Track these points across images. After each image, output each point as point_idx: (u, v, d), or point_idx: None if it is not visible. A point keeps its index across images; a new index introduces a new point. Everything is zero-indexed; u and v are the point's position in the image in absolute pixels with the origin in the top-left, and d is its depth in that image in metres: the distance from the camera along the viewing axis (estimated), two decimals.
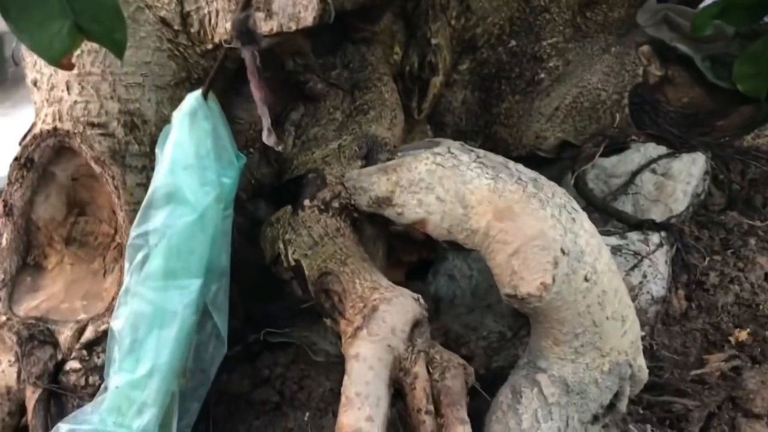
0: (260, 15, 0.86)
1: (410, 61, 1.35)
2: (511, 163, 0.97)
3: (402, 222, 0.94)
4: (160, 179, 0.83)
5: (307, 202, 0.98)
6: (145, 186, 0.85)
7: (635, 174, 1.36)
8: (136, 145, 0.88)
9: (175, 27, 0.90)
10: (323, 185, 1.00)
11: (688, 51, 1.50)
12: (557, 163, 1.45)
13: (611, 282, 0.97)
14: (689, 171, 1.34)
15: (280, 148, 0.79)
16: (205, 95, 0.83)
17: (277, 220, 1.00)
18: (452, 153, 0.95)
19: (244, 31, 0.75)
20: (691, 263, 1.22)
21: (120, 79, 0.86)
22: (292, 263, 0.96)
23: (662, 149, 1.37)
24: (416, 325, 0.86)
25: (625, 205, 1.34)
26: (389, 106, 1.09)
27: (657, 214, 1.31)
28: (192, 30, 0.90)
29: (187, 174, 0.82)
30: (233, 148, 0.87)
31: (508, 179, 0.93)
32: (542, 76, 1.43)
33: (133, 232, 0.83)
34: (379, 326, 0.83)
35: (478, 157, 0.96)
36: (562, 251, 0.91)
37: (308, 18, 0.84)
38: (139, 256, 0.82)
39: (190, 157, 0.82)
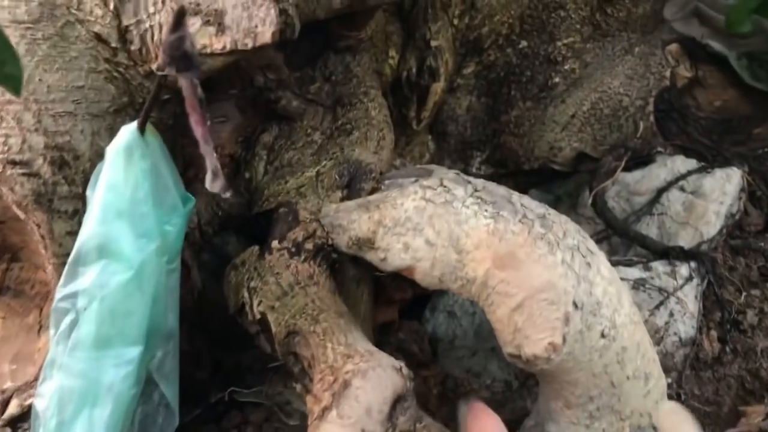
0: (210, 30, 0.72)
1: (408, 65, 1.21)
2: (515, 196, 0.83)
3: (385, 268, 0.81)
4: (89, 229, 0.69)
5: (275, 244, 0.85)
6: (77, 235, 0.71)
7: (661, 192, 1.21)
8: (66, 185, 0.74)
9: (113, 44, 0.75)
10: (295, 223, 0.86)
11: (721, 48, 1.35)
12: (573, 177, 1.30)
13: (633, 336, 0.83)
14: (723, 188, 1.18)
15: (227, 195, 0.65)
16: (141, 128, 0.69)
17: (242, 263, 0.87)
18: (445, 186, 0.80)
19: (179, 56, 0.61)
20: (725, 299, 1.07)
21: (46, 108, 0.72)
22: (258, 316, 0.82)
23: (692, 163, 1.21)
24: (398, 400, 0.72)
25: (649, 227, 1.19)
26: (376, 126, 0.95)
27: (686, 239, 1.15)
28: (132, 47, 0.76)
29: (122, 222, 0.69)
30: (178, 188, 0.73)
31: (511, 217, 0.79)
32: (557, 80, 1.28)
33: (58, 293, 0.69)
34: (351, 407, 0.69)
35: (476, 190, 0.81)
36: (575, 305, 0.77)
37: (266, 34, 0.70)
38: (66, 321, 0.69)
39: (125, 202, 0.69)
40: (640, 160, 1.23)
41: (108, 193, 0.69)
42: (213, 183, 0.65)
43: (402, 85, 1.22)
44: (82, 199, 0.73)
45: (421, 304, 1.09)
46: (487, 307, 0.79)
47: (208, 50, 0.73)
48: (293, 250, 0.84)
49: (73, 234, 0.72)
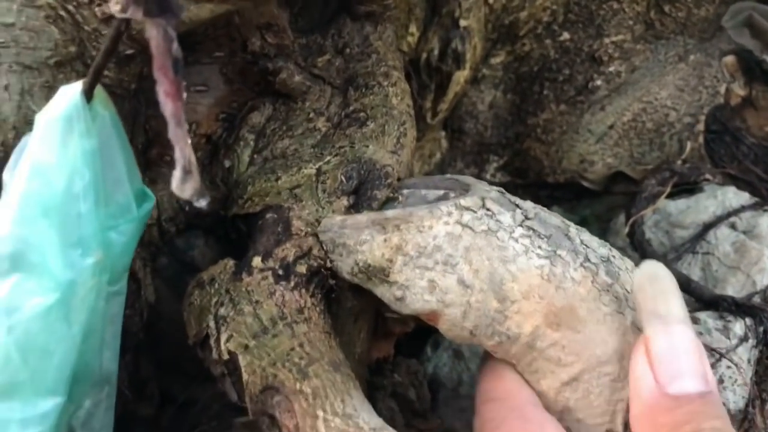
0: None
1: (429, 46, 1.01)
2: (573, 229, 0.64)
3: (400, 310, 0.61)
4: (1, 229, 0.48)
5: (257, 262, 0.64)
6: None
7: (708, 227, 1.02)
8: None
9: None
10: (286, 235, 0.66)
11: None
12: (603, 197, 1.12)
13: None
14: None
15: (201, 204, 0.44)
16: (88, 93, 0.48)
17: (210, 280, 0.66)
18: (488, 210, 0.61)
19: None
20: None
21: None
22: (225, 356, 0.62)
23: (746, 197, 1.04)
24: None
25: (691, 267, 1.01)
26: (396, 117, 0.75)
27: (735, 287, 0.97)
28: None
29: (48, 224, 0.48)
30: (133, 181, 0.52)
31: (571, 260, 0.60)
32: (598, 82, 1.09)
33: None
34: None
35: (526, 218, 0.62)
36: None
37: None
38: None
39: (56, 196, 0.48)
40: (686, 187, 1.06)
41: (32, 180, 0.48)
42: (182, 184, 0.45)
43: (420, 68, 1.03)
44: None
45: (421, 338, 0.90)
46: (529, 374, 0.60)
47: None
48: (280, 272, 0.64)
49: None
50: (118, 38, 0.44)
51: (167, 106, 0.44)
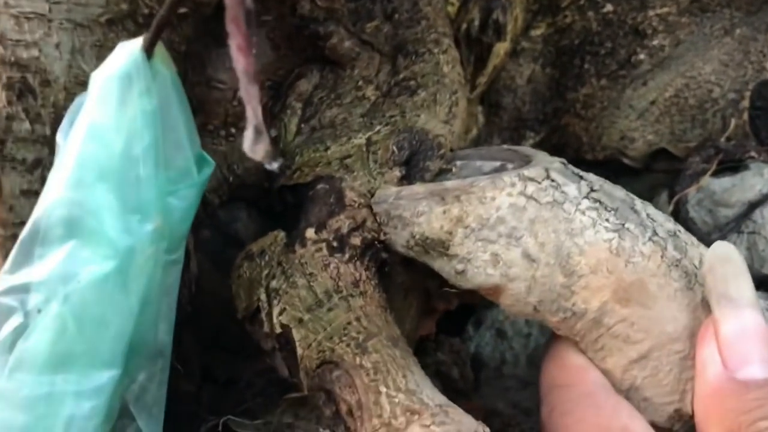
0: None
1: (469, 17, 0.98)
2: (638, 203, 0.61)
3: (461, 284, 0.59)
4: (56, 193, 0.46)
5: (311, 233, 0.62)
6: (38, 197, 0.48)
7: (754, 206, 0.99)
8: (27, 122, 0.50)
9: None
10: (339, 206, 0.63)
11: None
12: (643, 175, 1.09)
13: None
14: None
15: (273, 167, 0.42)
16: (148, 49, 0.45)
17: (260, 252, 0.64)
18: (552, 181, 0.58)
19: None
20: None
21: (7, 3, 0.49)
22: (278, 329, 0.60)
23: None
24: None
25: (737, 247, 0.97)
26: (448, 86, 0.72)
27: None
28: None
29: (106, 188, 0.46)
30: (193, 145, 0.50)
31: (640, 233, 0.57)
32: (641, 56, 1.05)
33: (1, 282, 0.46)
34: None
35: (592, 189, 0.59)
36: None
37: None
38: (9, 326, 0.46)
39: (113, 159, 0.46)
40: (730, 165, 1.03)
41: (89, 142, 0.46)
42: (254, 145, 0.43)
43: (459, 40, 0.99)
44: (48, 144, 0.50)
45: (463, 316, 0.88)
46: (594, 352, 0.58)
47: None
48: (335, 244, 0.61)
49: (32, 195, 0.49)
50: None
51: (239, 62, 0.42)
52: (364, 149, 0.68)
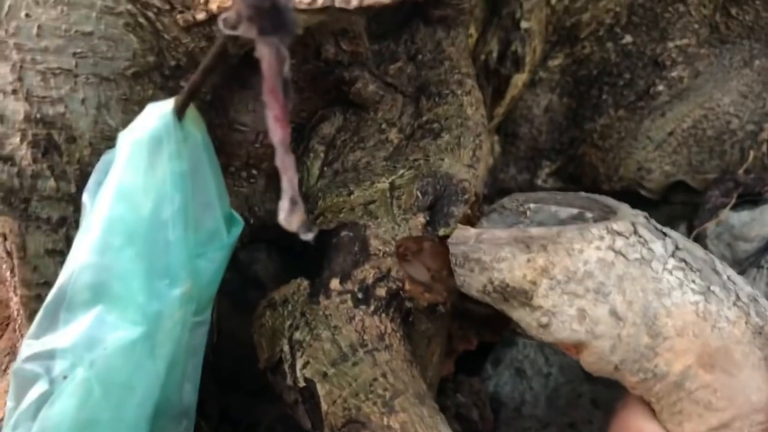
0: None
1: (488, 48, 0.97)
2: (719, 264, 0.60)
3: (542, 337, 0.57)
4: (83, 256, 0.45)
5: (335, 284, 0.61)
6: (63, 257, 0.47)
7: None
8: (53, 180, 0.49)
9: None
10: (364, 255, 0.62)
11: None
12: (662, 207, 1.08)
13: None
14: None
15: (309, 237, 0.41)
16: (179, 111, 0.44)
17: (283, 301, 0.63)
18: (639, 236, 0.57)
19: (266, 10, 0.36)
20: None
21: (33, 60, 0.48)
22: (301, 383, 0.59)
23: None
24: None
25: (757, 283, 0.97)
26: (472, 129, 0.71)
27: None
28: None
29: (134, 252, 0.45)
30: (223, 204, 0.49)
31: (725, 297, 0.56)
32: (660, 88, 1.04)
33: (25, 348, 0.45)
34: None
35: (677, 248, 0.58)
36: None
37: None
38: (34, 393, 0.45)
39: (142, 222, 0.45)
40: (750, 198, 1.02)
41: (117, 204, 0.45)
42: (290, 216, 0.42)
43: (477, 71, 0.98)
44: (74, 203, 0.49)
45: (481, 354, 0.87)
46: (670, 415, 0.56)
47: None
48: (360, 296, 0.60)
49: (57, 255, 0.48)
50: (221, 56, 0.40)
51: (276, 132, 0.41)
52: (388, 194, 0.67)
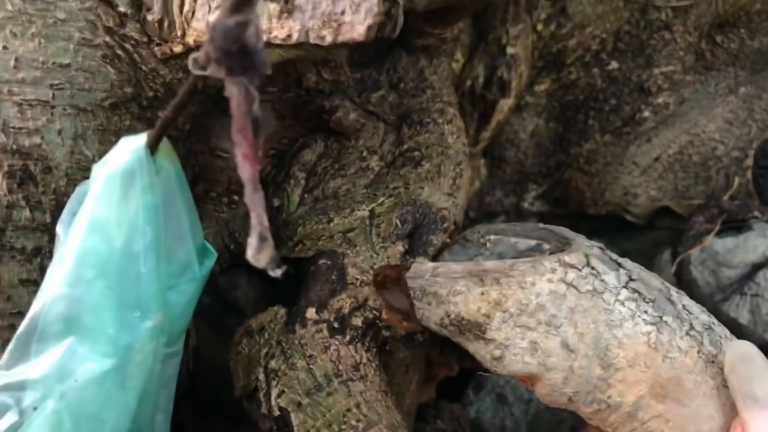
0: (271, 7, 0.48)
1: (474, 73, 0.98)
2: (674, 292, 0.60)
3: (496, 369, 0.58)
4: (55, 287, 0.45)
5: (311, 313, 0.62)
6: (37, 287, 0.47)
7: (757, 268, 0.99)
8: (27, 210, 0.50)
9: (121, 8, 0.51)
10: (341, 284, 0.63)
11: None
12: (647, 232, 1.08)
13: None
14: None
15: (277, 274, 0.41)
16: (152, 146, 0.45)
17: (260, 329, 0.64)
18: (592, 268, 0.57)
19: (235, 51, 0.37)
20: None
21: (10, 91, 0.48)
22: (276, 412, 0.59)
23: None
24: None
25: (740, 309, 0.98)
26: (452, 158, 0.72)
27: None
28: (150, 17, 0.51)
29: (105, 284, 0.45)
30: (195, 237, 0.49)
31: (677, 327, 0.56)
32: (646, 114, 1.05)
33: None
34: None
35: (630, 279, 0.58)
36: None
37: (358, 27, 0.47)
38: (3, 425, 0.45)
39: (114, 255, 0.45)
40: (734, 225, 1.02)
41: (90, 236, 0.45)
42: (258, 253, 0.42)
43: (463, 96, 0.99)
44: (49, 233, 0.49)
45: (462, 381, 0.87)
46: None
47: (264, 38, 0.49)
48: (336, 325, 0.61)
49: (31, 285, 0.48)
50: (192, 94, 0.41)
51: (245, 170, 0.41)
52: (367, 222, 0.67)
